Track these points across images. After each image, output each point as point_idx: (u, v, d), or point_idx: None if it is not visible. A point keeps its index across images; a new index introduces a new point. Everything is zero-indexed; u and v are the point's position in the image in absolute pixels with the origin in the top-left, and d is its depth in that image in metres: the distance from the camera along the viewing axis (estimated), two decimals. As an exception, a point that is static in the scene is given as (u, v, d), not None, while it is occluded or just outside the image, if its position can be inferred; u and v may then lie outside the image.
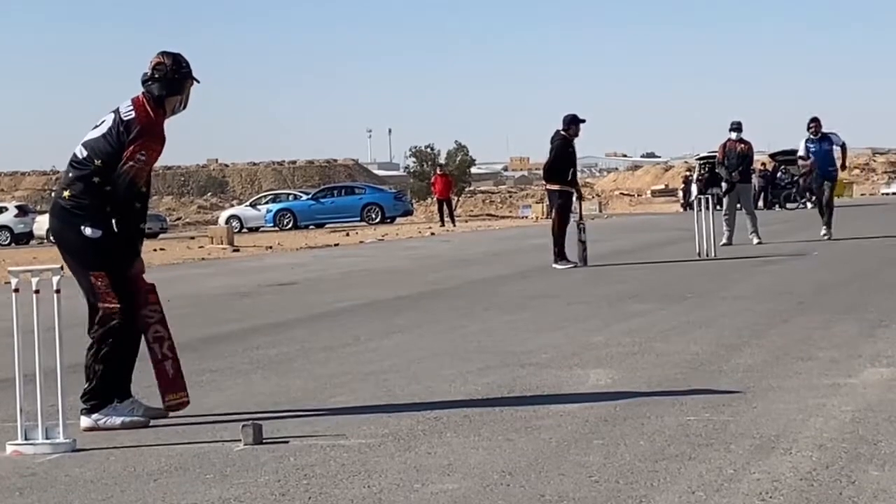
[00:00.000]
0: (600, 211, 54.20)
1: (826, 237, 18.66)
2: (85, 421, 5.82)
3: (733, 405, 5.59)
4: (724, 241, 18.16)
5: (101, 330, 5.83)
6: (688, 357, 7.14)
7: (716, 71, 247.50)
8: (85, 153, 5.90)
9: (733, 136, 19.03)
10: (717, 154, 19.71)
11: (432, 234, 32.29)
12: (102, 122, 5.97)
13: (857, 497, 3.95)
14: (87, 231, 5.84)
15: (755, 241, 18.21)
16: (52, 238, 6.07)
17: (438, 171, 42.74)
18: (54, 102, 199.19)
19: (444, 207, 39.20)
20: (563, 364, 7.11)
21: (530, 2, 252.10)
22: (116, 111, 5.97)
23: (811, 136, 18.89)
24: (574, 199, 15.66)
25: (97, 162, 5.86)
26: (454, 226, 36.54)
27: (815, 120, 18.90)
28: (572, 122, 15.44)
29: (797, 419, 5.22)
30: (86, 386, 5.84)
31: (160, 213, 52.95)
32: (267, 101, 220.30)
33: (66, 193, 5.89)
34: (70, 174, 5.93)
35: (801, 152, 19.34)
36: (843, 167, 19.92)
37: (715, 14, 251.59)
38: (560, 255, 15.22)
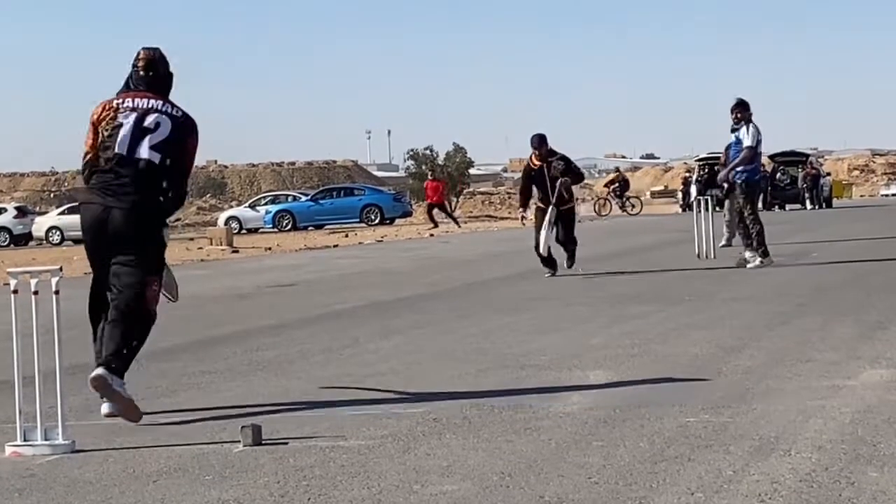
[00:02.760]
0: (599, 212, 54.17)
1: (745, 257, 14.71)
2: (101, 371, 5.83)
3: (733, 407, 5.59)
4: (723, 242, 18.15)
5: (136, 315, 5.99)
6: (687, 359, 7.14)
7: (716, 72, 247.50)
8: (158, 157, 6.09)
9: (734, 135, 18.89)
10: (720, 156, 19.44)
11: (431, 235, 32.30)
12: (156, 124, 6.13)
13: (857, 498, 3.95)
14: (161, 235, 6.21)
15: (723, 241, 18.04)
16: (105, 229, 6.02)
17: (430, 176, 43.32)
18: (54, 103, 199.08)
19: (440, 211, 39.40)
20: (562, 365, 7.11)
21: (530, 2, 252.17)
22: (166, 112, 6.17)
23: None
24: (552, 211, 15.00)
25: (167, 163, 6.12)
26: (458, 226, 36.61)
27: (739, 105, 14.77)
28: (532, 147, 14.81)
29: (796, 421, 5.22)
30: (113, 350, 5.90)
31: (159, 215, 52.82)
32: (266, 102, 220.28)
33: (150, 196, 6.08)
34: (148, 178, 6.07)
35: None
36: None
37: (714, 14, 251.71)
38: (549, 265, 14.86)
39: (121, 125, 6.11)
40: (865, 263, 14.23)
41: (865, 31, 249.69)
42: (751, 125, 14.37)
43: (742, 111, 14.45)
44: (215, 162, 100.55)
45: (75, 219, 45.22)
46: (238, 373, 7.56)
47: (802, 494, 4.02)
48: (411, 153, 63.44)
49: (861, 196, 69.26)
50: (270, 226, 44.78)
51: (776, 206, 42.59)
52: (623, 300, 10.90)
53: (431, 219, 38.98)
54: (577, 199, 16.93)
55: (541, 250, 14.71)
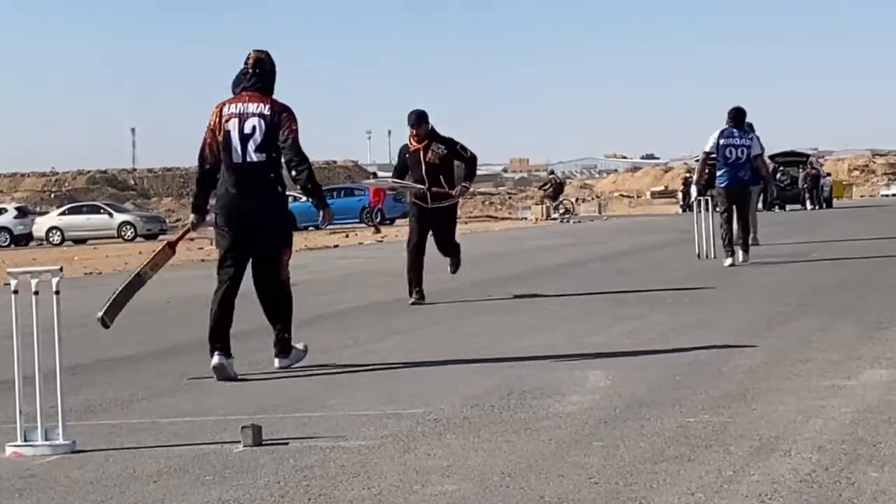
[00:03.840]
0: (600, 212, 54.24)
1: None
2: (279, 362, 7.52)
3: (733, 407, 5.59)
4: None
5: (282, 297, 7.52)
6: (687, 358, 7.14)
7: (715, 72, 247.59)
8: (263, 156, 7.20)
9: None
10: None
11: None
12: (252, 128, 7.18)
13: (857, 498, 3.95)
14: (286, 214, 7.61)
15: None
16: (244, 222, 7.27)
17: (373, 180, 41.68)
18: (53, 104, 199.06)
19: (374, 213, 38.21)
20: (562, 365, 7.11)
21: (530, 3, 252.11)
22: (259, 114, 7.21)
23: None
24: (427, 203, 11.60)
25: (273, 157, 7.25)
26: (377, 231, 35.55)
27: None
28: (409, 125, 11.54)
29: (797, 421, 5.22)
30: (277, 335, 7.55)
31: (160, 215, 52.96)
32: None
33: (269, 187, 7.27)
34: (262, 173, 7.20)
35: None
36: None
37: (714, 15, 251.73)
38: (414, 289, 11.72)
39: (229, 132, 7.20)
40: (865, 263, 14.23)
41: (865, 31, 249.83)
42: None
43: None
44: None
45: (75, 219, 45.07)
46: (238, 373, 7.55)
47: (802, 495, 4.02)
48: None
49: (861, 196, 69.24)
50: (271, 226, 44.74)
51: (776, 207, 42.60)
52: (623, 300, 10.90)
53: (374, 222, 37.52)
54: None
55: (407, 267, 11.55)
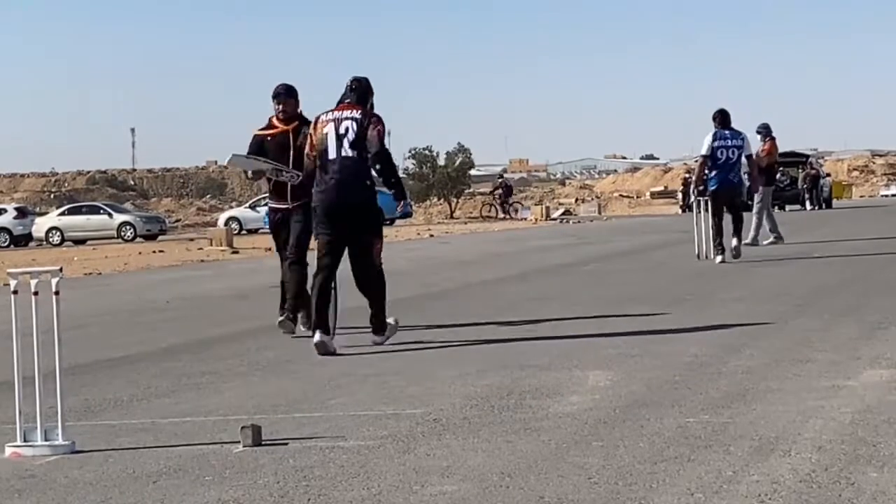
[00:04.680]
0: (600, 213, 54.25)
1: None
2: (373, 339, 8.47)
3: (732, 407, 5.59)
4: (770, 239, 18.53)
5: (376, 280, 8.45)
6: (687, 359, 7.14)
7: (715, 73, 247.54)
8: (355, 152, 8.26)
9: (758, 138, 19.17)
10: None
11: (431, 235, 32.32)
12: (345, 129, 8.26)
13: (857, 499, 3.95)
14: (376, 205, 8.47)
15: (766, 242, 18.27)
16: (342, 211, 8.26)
17: None
18: (54, 104, 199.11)
19: None
20: (561, 366, 7.11)
21: (529, 3, 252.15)
22: (353, 118, 8.30)
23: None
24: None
25: (363, 155, 8.30)
26: None
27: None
28: (273, 101, 9.53)
29: (796, 421, 5.22)
30: (372, 316, 8.50)
31: (159, 215, 52.94)
32: (266, 102, 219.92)
33: (361, 180, 8.29)
34: (355, 168, 8.26)
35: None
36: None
37: (714, 15, 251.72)
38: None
39: (326, 134, 8.29)
40: (865, 263, 14.24)
41: (865, 31, 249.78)
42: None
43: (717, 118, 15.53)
44: (215, 162, 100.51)
45: (75, 219, 45.06)
46: (238, 373, 7.56)
47: (802, 495, 4.02)
48: (412, 152, 63.46)
49: (861, 196, 69.23)
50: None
51: (776, 207, 42.57)
52: (623, 300, 10.90)
53: None
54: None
55: (310, 285, 8.91)
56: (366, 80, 8.55)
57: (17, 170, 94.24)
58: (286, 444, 5.23)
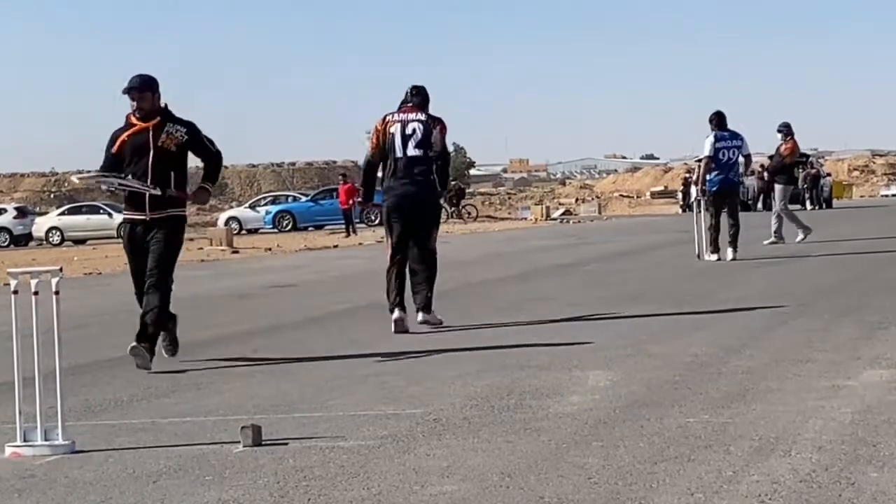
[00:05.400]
0: (600, 213, 54.26)
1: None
2: (422, 316, 9.42)
3: (732, 407, 5.59)
4: (800, 236, 18.79)
5: (432, 261, 9.42)
6: (687, 359, 7.14)
7: (715, 73, 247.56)
8: (421, 152, 9.26)
9: (779, 137, 19.33)
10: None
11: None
12: (412, 130, 9.27)
13: (857, 499, 3.95)
14: (438, 200, 9.67)
15: (766, 242, 18.44)
16: (409, 204, 9.29)
17: (342, 181, 39.53)
18: (54, 104, 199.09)
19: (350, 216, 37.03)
20: (561, 366, 7.11)
21: (529, 3, 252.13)
22: (419, 120, 9.31)
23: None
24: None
25: (428, 154, 9.31)
26: (355, 234, 34.82)
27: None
28: (127, 94, 8.07)
29: (796, 421, 5.22)
30: (424, 294, 9.44)
31: (159, 215, 52.83)
32: (266, 102, 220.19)
33: (425, 176, 9.29)
34: (419, 165, 9.25)
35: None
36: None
37: (714, 15, 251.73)
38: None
39: (393, 134, 9.27)
40: (865, 263, 14.24)
41: (865, 31, 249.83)
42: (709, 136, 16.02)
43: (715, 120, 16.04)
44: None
45: (75, 219, 45.07)
46: (238, 373, 7.56)
47: (802, 495, 4.02)
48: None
49: (861, 196, 69.22)
50: (270, 226, 44.80)
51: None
52: (623, 300, 10.90)
53: (348, 226, 36.47)
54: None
55: (148, 317, 7.74)
56: (424, 87, 9.58)
57: (17, 170, 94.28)
58: (286, 444, 5.23)
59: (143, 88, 7.95)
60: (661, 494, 4.10)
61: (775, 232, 18.76)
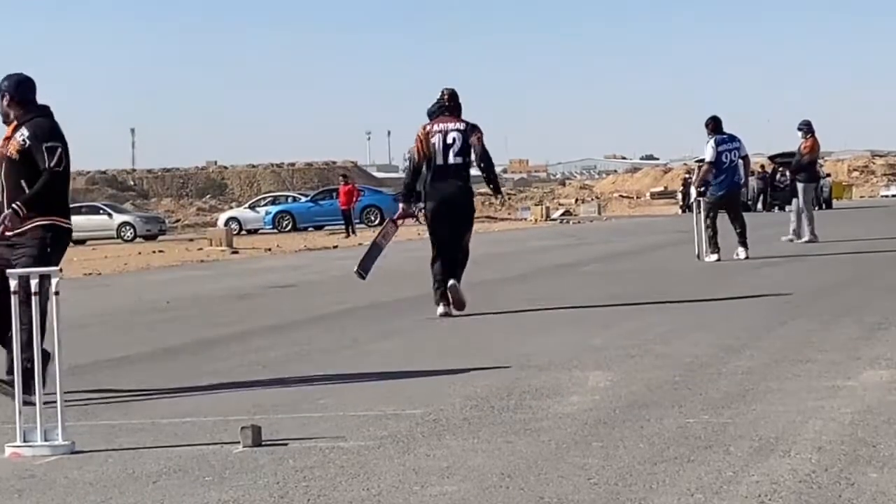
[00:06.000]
0: (599, 213, 54.24)
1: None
2: (452, 281, 10.20)
3: (732, 407, 5.59)
4: (807, 237, 18.83)
5: (465, 255, 10.44)
6: (687, 359, 7.14)
7: (715, 73, 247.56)
8: (461, 160, 10.21)
9: (799, 135, 19.41)
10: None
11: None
12: (453, 139, 10.18)
13: (856, 499, 3.95)
14: (473, 204, 10.64)
15: (804, 238, 18.55)
16: (449, 208, 10.28)
17: (343, 182, 39.73)
18: (53, 104, 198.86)
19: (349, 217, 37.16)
20: (561, 366, 7.11)
21: (530, 3, 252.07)
22: (457, 129, 10.21)
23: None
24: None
25: (467, 161, 10.28)
26: (355, 234, 34.79)
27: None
28: None
29: (796, 421, 5.22)
30: (458, 273, 10.31)
31: (159, 215, 52.92)
32: (266, 102, 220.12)
33: (464, 182, 10.36)
34: (460, 172, 10.27)
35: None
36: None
37: (714, 16, 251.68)
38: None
39: (434, 143, 10.18)
40: (865, 264, 14.24)
41: (865, 32, 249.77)
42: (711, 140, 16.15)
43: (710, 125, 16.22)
44: (215, 163, 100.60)
45: (74, 220, 45.55)
46: (238, 373, 7.56)
47: (802, 495, 4.02)
48: (412, 152, 63.38)
49: (861, 197, 69.18)
50: (270, 227, 44.78)
51: (776, 207, 42.57)
52: (622, 300, 10.90)
53: (348, 227, 36.49)
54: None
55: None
56: (457, 93, 10.47)
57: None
58: (286, 444, 5.23)
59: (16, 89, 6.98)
60: (661, 495, 4.10)
61: (794, 231, 18.82)
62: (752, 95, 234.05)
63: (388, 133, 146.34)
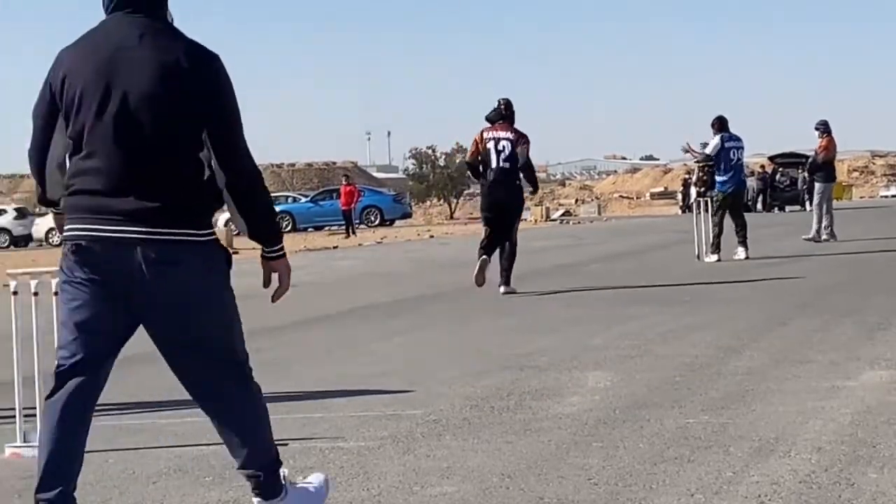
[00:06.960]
0: (599, 213, 54.26)
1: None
2: (504, 288, 12.09)
3: (732, 408, 5.59)
4: (825, 236, 18.85)
5: (512, 247, 12.19)
6: (686, 360, 7.14)
7: (715, 73, 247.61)
8: (509, 164, 11.92)
9: (816, 134, 19.47)
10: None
11: (431, 236, 32.31)
12: (503, 147, 11.99)
13: (856, 499, 3.95)
14: (523, 202, 12.70)
15: (822, 237, 18.72)
16: (498, 204, 12.12)
17: (344, 182, 39.42)
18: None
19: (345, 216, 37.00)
20: (561, 367, 7.11)
21: (530, 3, 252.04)
22: (507, 138, 12.01)
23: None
24: None
25: (515, 165, 11.98)
26: (355, 235, 34.70)
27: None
28: None
29: (796, 422, 5.22)
30: (506, 275, 12.18)
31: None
32: (267, 101, 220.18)
33: (513, 184, 12.14)
34: (508, 175, 12.02)
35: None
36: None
37: (714, 16, 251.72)
38: None
39: (488, 150, 11.98)
40: (865, 264, 14.24)
41: (865, 32, 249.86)
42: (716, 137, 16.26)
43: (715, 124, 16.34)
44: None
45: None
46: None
47: (802, 496, 4.03)
48: (413, 152, 63.43)
49: (861, 197, 69.21)
50: (270, 227, 44.68)
51: (776, 208, 42.60)
52: (622, 301, 10.90)
53: (349, 227, 36.38)
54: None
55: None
56: (511, 102, 12.28)
57: (17, 170, 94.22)
58: (286, 444, 5.22)
59: None
60: (661, 495, 4.10)
61: (817, 231, 18.83)
62: (751, 95, 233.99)
63: (388, 133, 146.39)
